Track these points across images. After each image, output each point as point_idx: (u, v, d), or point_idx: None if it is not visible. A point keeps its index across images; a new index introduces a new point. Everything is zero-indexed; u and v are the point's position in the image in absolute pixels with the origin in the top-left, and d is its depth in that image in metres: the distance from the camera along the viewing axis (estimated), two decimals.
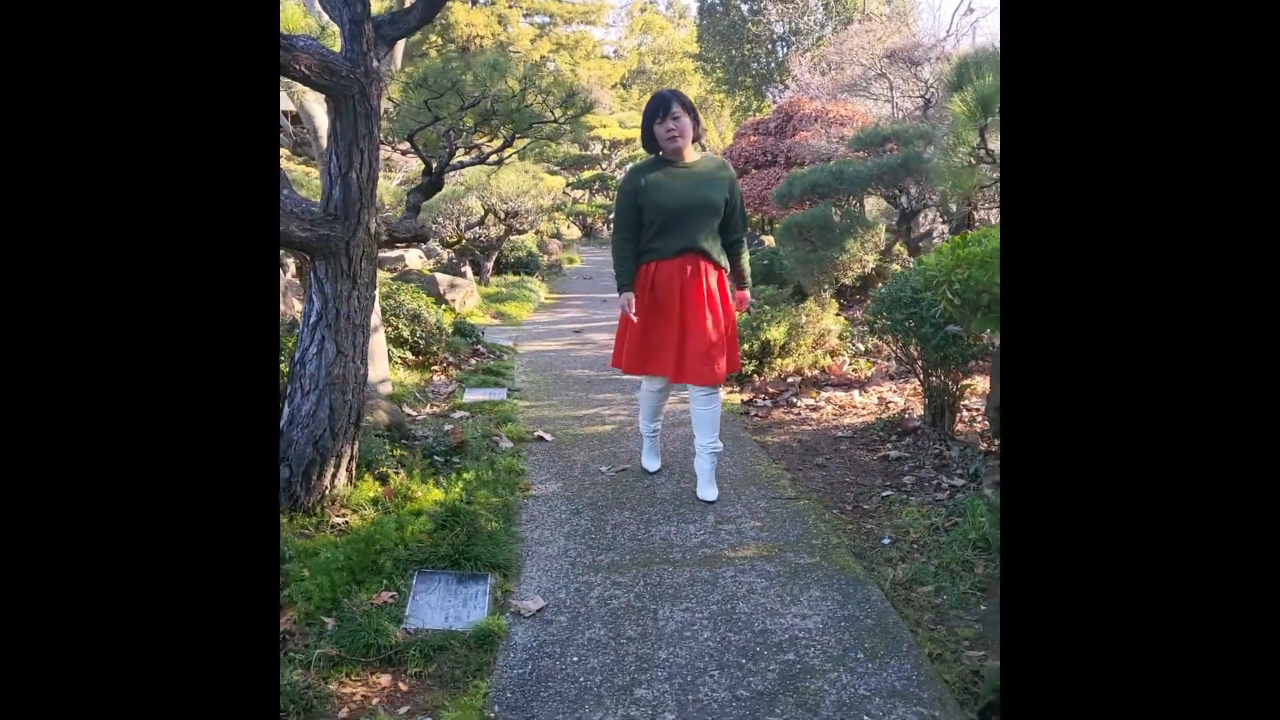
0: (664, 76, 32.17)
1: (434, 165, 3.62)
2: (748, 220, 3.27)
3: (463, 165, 4.09)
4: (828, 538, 3.02)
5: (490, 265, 11.09)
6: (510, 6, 28.90)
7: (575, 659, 2.30)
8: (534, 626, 2.47)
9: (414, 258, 10.94)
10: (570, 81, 3.60)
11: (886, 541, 2.99)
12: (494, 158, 3.94)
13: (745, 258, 3.44)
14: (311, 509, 2.98)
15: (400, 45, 4.55)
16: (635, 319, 3.24)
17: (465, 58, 3.78)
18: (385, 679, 2.23)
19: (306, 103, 4.26)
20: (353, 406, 3.02)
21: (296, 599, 2.46)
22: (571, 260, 15.97)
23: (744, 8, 22.82)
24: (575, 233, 21.39)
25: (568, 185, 20.00)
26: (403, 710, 2.09)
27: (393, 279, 8.19)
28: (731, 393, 5.13)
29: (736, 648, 2.32)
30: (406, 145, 4.09)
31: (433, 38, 27.18)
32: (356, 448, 3.18)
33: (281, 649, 2.29)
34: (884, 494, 3.41)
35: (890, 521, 3.15)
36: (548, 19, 30.88)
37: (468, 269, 10.57)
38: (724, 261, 3.33)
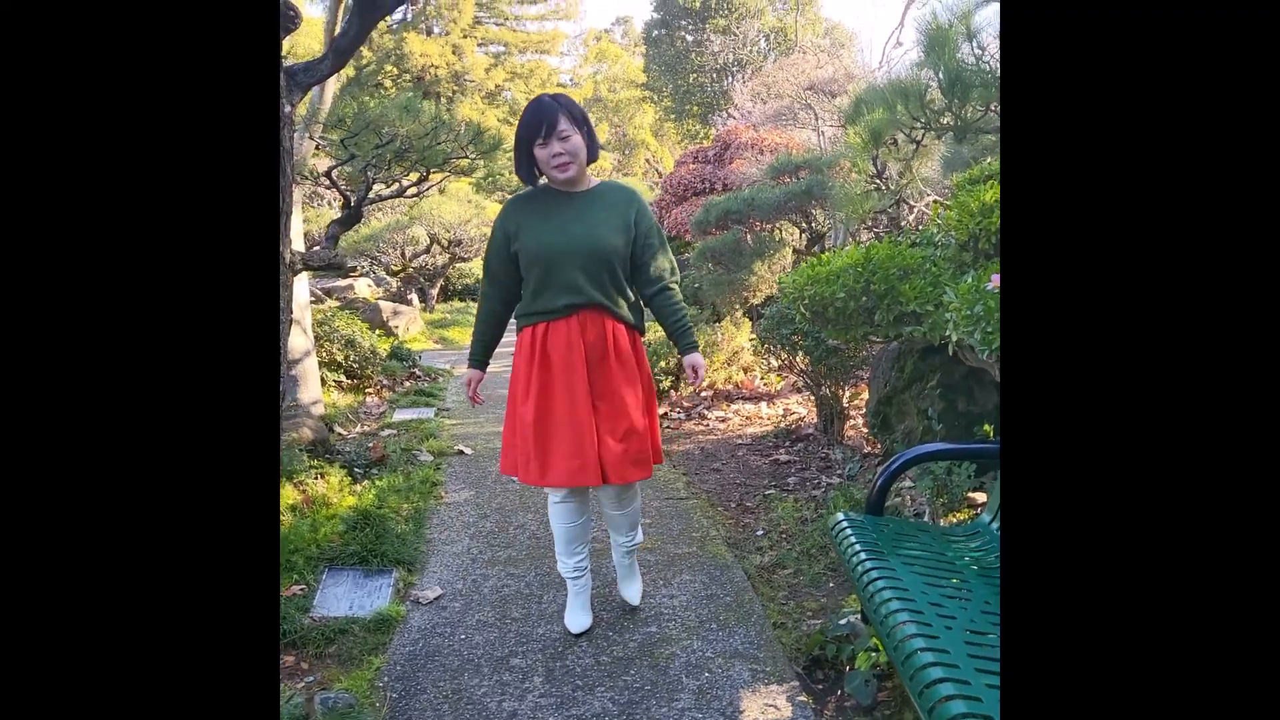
0: (619, 104, 32.78)
1: (353, 199, 3.92)
2: (674, 263, 2.55)
3: (381, 198, 4.40)
4: (707, 531, 3.34)
5: (435, 292, 11.36)
6: (465, 37, 29.33)
7: (463, 637, 2.59)
8: (430, 611, 2.76)
9: (362, 286, 11.18)
10: (477, 122, 3.94)
11: (760, 533, 3.32)
12: (412, 190, 4.26)
13: (683, 307, 2.53)
14: None
15: (330, 87, 4.86)
16: (478, 401, 2.65)
17: (381, 100, 4.09)
18: (289, 659, 2.50)
19: None
20: None
21: None
22: None
23: (688, 38, 23.47)
24: None
25: None
26: (300, 685, 2.37)
27: (339, 307, 8.44)
28: None
29: (606, 623, 2.63)
30: (340, 182, 4.41)
31: (388, 68, 27.50)
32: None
33: None
34: (767, 492, 3.75)
35: (767, 516, 3.49)
36: (502, 48, 31.38)
37: (414, 296, 10.83)
38: (634, 318, 2.51)
